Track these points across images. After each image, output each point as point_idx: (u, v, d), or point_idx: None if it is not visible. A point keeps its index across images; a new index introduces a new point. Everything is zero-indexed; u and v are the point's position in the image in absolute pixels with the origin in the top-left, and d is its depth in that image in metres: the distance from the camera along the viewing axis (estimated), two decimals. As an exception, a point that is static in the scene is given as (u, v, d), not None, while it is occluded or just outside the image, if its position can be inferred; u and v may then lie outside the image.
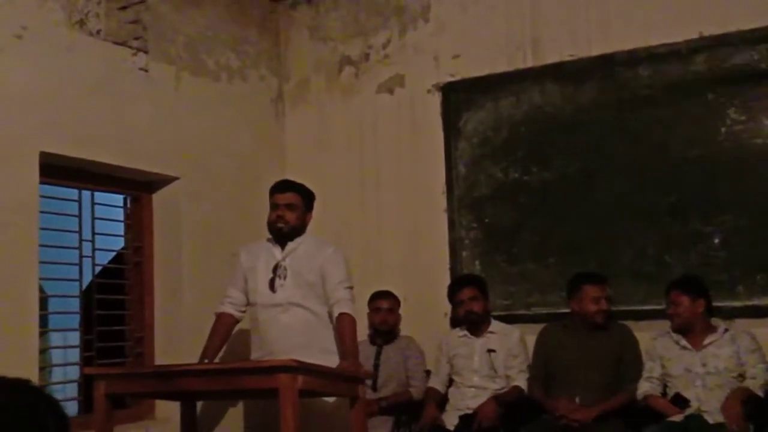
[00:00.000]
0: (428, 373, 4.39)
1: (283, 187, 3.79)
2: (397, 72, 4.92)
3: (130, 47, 4.06)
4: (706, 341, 3.73)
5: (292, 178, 4.00)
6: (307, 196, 3.82)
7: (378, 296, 4.45)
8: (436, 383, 4.30)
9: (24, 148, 3.50)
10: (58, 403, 1.26)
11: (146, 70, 4.14)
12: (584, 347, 3.94)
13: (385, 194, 4.89)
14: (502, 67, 4.61)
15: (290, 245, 3.74)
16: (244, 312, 3.82)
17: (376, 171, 4.92)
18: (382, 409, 4.19)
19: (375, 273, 4.74)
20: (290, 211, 3.73)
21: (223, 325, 3.79)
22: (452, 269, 4.66)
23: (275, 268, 3.70)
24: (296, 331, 3.61)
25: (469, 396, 4.11)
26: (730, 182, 4.08)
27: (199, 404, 3.87)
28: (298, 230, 3.76)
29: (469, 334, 4.25)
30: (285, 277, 3.67)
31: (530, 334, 4.19)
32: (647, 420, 3.67)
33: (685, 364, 3.70)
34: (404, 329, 4.53)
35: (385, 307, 4.43)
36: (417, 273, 4.72)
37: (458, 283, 4.34)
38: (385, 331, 4.43)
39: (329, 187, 4.94)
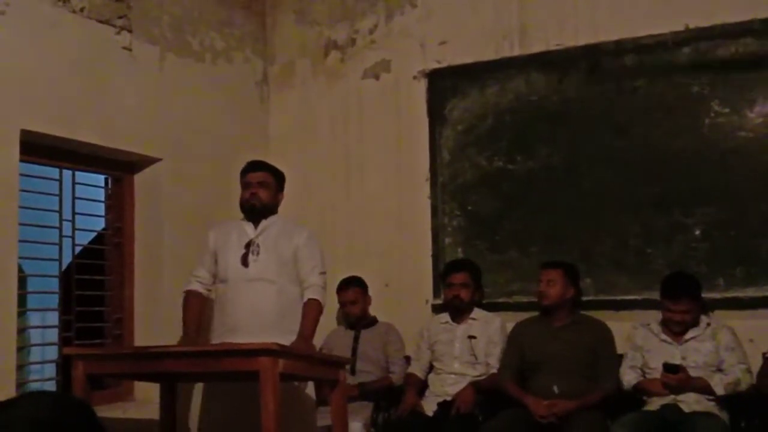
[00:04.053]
0: (408, 359, 4.40)
1: (255, 166, 3.82)
2: (383, 57, 4.90)
3: (113, 26, 4.02)
4: (688, 335, 3.75)
5: (275, 161, 3.98)
6: (278, 176, 3.84)
7: (341, 287, 4.44)
8: (416, 369, 4.31)
9: (4, 125, 3.46)
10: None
11: (130, 50, 4.09)
12: (559, 339, 3.95)
13: (369, 180, 4.88)
14: (488, 54, 4.60)
15: (263, 223, 3.75)
16: (210, 291, 3.82)
17: (360, 156, 4.91)
18: (361, 394, 4.19)
19: (357, 258, 4.73)
20: (263, 188, 3.75)
21: (194, 303, 3.77)
22: (435, 256, 4.66)
23: (248, 245, 3.70)
24: (265, 309, 3.61)
25: (449, 382, 4.12)
26: (713, 174, 4.10)
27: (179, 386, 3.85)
28: (270, 208, 3.78)
29: (450, 321, 4.26)
30: (258, 253, 3.67)
31: (511, 322, 4.20)
32: (624, 409, 3.70)
33: (665, 357, 3.71)
34: (385, 315, 4.53)
35: (348, 300, 4.43)
36: (399, 259, 4.73)
37: (453, 265, 4.34)
38: (355, 320, 4.43)
39: (313, 171, 4.94)
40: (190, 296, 3.79)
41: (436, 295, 4.59)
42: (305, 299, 3.63)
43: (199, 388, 4.06)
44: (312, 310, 3.61)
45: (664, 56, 4.22)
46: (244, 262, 3.68)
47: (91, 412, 1.21)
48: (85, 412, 1.20)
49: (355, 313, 4.44)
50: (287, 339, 3.36)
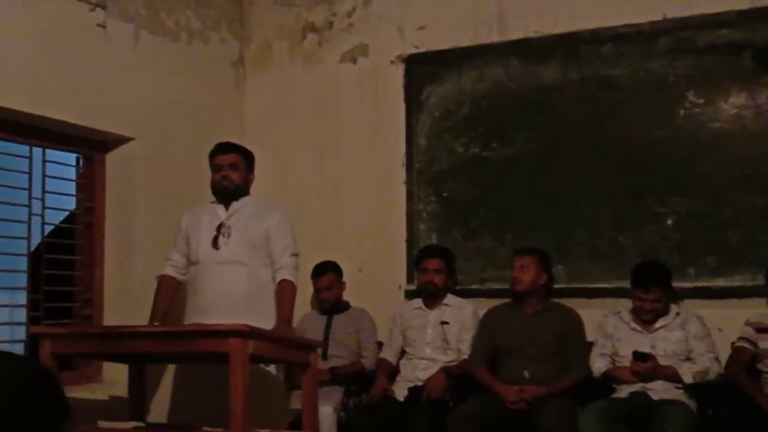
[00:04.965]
0: (380, 344, 4.39)
1: (224, 148, 3.82)
2: (361, 41, 4.87)
3: (87, 2, 3.95)
4: (658, 324, 3.78)
5: (251, 143, 3.97)
6: (248, 157, 3.84)
7: (316, 273, 4.42)
8: (388, 354, 4.31)
9: (-26, 100, 3.40)
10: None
11: (104, 27, 4.03)
12: (530, 325, 3.96)
13: (345, 164, 4.85)
14: (466, 40, 4.59)
15: (235, 205, 3.75)
16: (185, 274, 3.81)
17: (336, 140, 4.88)
18: (333, 379, 4.18)
19: (332, 242, 4.72)
20: (233, 170, 3.75)
21: (166, 287, 3.79)
22: (409, 242, 4.65)
23: (220, 227, 3.69)
24: (236, 291, 3.60)
25: (421, 368, 4.12)
26: (687, 165, 4.12)
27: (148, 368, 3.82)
28: (242, 190, 3.77)
29: (423, 307, 4.26)
30: (229, 236, 3.66)
31: (484, 309, 4.20)
32: (594, 396, 3.72)
33: (634, 345, 3.74)
34: (358, 300, 4.51)
35: (323, 286, 4.40)
36: (374, 244, 4.71)
37: (428, 251, 4.34)
38: (329, 306, 4.42)
39: (289, 154, 4.91)
40: (161, 281, 3.80)
41: (409, 280, 4.58)
42: (277, 280, 3.63)
43: (169, 369, 4.04)
44: (287, 292, 3.60)
45: (641, 46, 4.23)
46: (215, 244, 3.67)
47: (54, 380, 1.18)
48: (48, 380, 1.17)
49: (329, 299, 4.42)
50: (258, 321, 3.34)
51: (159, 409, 3.97)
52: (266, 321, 3.47)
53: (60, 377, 3.24)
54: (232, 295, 3.58)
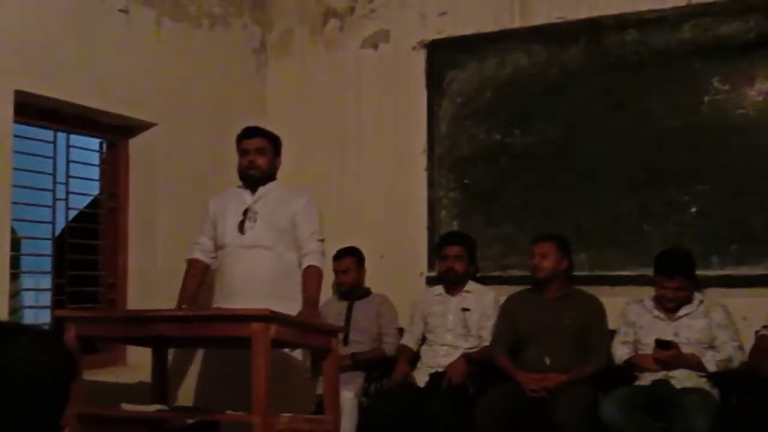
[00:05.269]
0: (401, 331, 4.40)
1: (251, 132, 3.79)
2: (382, 27, 4.85)
3: (110, -12, 3.97)
4: (681, 312, 3.76)
5: (271, 129, 3.95)
6: (275, 141, 3.82)
7: (337, 256, 4.44)
8: (409, 341, 4.31)
9: (-1, 85, 3.42)
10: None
11: (126, 12, 4.05)
12: (551, 312, 3.95)
13: (366, 150, 4.85)
14: (488, 26, 4.57)
15: (261, 190, 3.74)
16: (214, 258, 3.81)
17: (357, 126, 4.88)
18: (354, 364, 4.20)
19: (352, 229, 4.72)
20: (260, 155, 3.74)
21: (194, 271, 3.80)
22: (430, 229, 4.65)
23: (246, 212, 3.69)
24: (261, 276, 3.61)
25: (441, 354, 4.13)
26: (711, 152, 4.09)
27: (171, 352, 3.85)
28: (269, 175, 3.77)
29: (444, 293, 4.26)
30: (255, 221, 3.67)
31: (505, 296, 4.20)
32: (615, 384, 3.71)
33: (657, 333, 3.72)
34: (380, 287, 4.52)
35: (341, 268, 4.43)
36: (394, 231, 4.71)
37: (448, 237, 4.33)
38: (347, 290, 4.42)
39: (309, 140, 4.91)
40: (189, 265, 3.82)
41: (430, 267, 4.58)
42: (304, 266, 3.62)
43: (193, 354, 4.07)
44: (313, 277, 3.60)
45: (665, 32, 4.19)
46: (241, 229, 3.68)
47: (63, 344, 1.25)
48: (57, 344, 1.24)
49: (345, 282, 4.43)
50: (284, 306, 3.33)
51: (183, 393, 4.01)
52: (292, 306, 3.46)
53: (83, 360, 3.29)
54: (258, 280, 3.59)
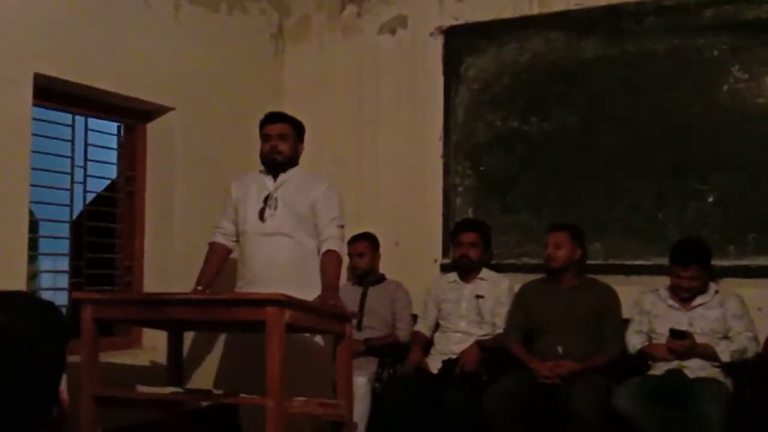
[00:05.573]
0: (415, 317, 4.41)
1: (274, 118, 3.78)
2: (400, 13, 4.84)
3: (129, -28, 3.98)
4: (696, 302, 3.74)
5: (290, 114, 3.95)
6: (298, 127, 3.81)
7: (352, 240, 4.41)
8: (423, 327, 4.32)
9: (18, 68, 3.44)
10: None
11: (145, -4, 4.06)
12: (565, 301, 3.95)
13: (382, 136, 4.84)
14: (507, 12, 4.54)
15: (282, 176, 3.73)
16: (236, 241, 3.82)
17: (374, 112, 4.87)
18: (367, 350, 4.21)
19: (368, 215, 4.72)
20: (283, 141, 3.72)
21: (215, 254, 3.80)
22: (445, 216, 4.65)
23: (266, 199, 3.69)
24: (282, 263, 3.61)
25: (455, 341, 4.14)
26: (729, 141, 4.06)
27: (188, 336, 3.88)
28: (292, 160, 3.76)
29: (458, 280, 4.26)
30: (275, 208, 3.67)
31: (519, 284, 4.19)
32: (629, 373, 3.70)
33: (671, 323, 3.71)
34: (394, 273, 4.53)
35: (356, 252, 4.42)
36: (410, 217, 4.71)
37: (463, 224, 4.34)
38: (362, 274, 4.43)
39: (327, 125, 4.90)
40: (210, 248, 3.82)
41: (445, 254, 4.58)
42: (323, 250, 3.61)
43: (210, 337, 4.11)
44: (333, 262, 3.59)
45: (685, 19, 4.15)
46: (261, 216, 3.67)
47: (57, 309, 1.27)
48: (52, 309, 1.26)
49: (361, 266, 4.43)
50: (305, 292, 3.35)
51: (199, 376, 4.04)
52: (312, 292, 3.47)
53: (100, 343, 3.33)
54: (278, 266, 3.59)
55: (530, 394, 3.72)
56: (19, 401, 1.17)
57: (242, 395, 3.19)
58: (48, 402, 1.22)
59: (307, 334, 3.56)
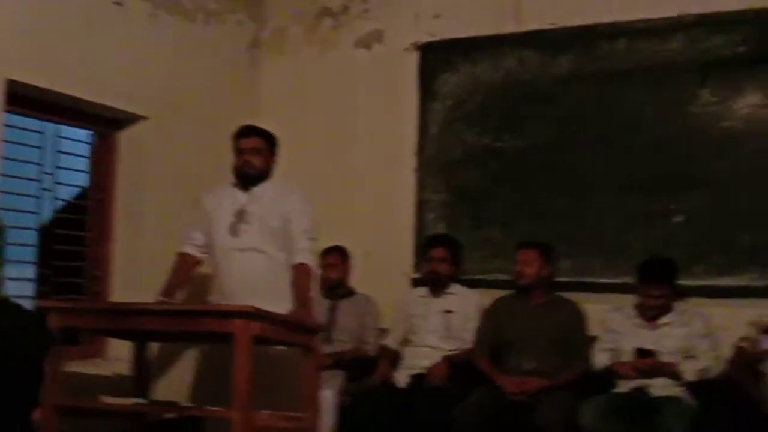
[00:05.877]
0: (383, 331, 4.41)
1: (247, 131, 3.77)
2: (376, 27, 4.86)
3: (105, -20, 3.97)
4: (662, 321, 3.78)
5: (265, 126, 3.95)
6: (271, 140, 3.80)
7: (324, 252, 4.39)
8: (391, 341, 4.32)
9: (-10, 74, 3.42)
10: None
11: (121, 4, 4.04)
12: (534, 317, 3.98)
13: (357, 149, 4.85)
14: (482, 30, 4.57)
15: (255, 190, 3.71)
16: (206, 253, 3.80)
17: (348, 125, 4.88)
18: (335, 363, 4.20)
19: (340, 227, 4.70)
20: (256, 155, 3.71)
21: (182, 265, 3.78)
22: (417, 230, 4.66)
23: (239, 213, 3.67)
24: (255, 277, 3.59)
25: (423, 355, 4.14)
26: (698, 162, 4.11)
27: (153, 346, 3.85)
28: (264, 174, 3.74)
29: (428, 295, 4.27)
30: (249, 222, 3.65)
31: (488, 300, 4.21)
32: (595, 390, 3.73)
33: (638, 341, 3.75)
34: (364, 286, 4.52)
35: (328, 263, 4.39)
36: (381, 230, 4.71)
37: (433, 239, 4.35)
38: (332, 287, 4.42)
39: (301, 137, 4.86)
40: (178, 258, 3.79)
41: (416, 269, 4.59)
42: (294, 263, 3.60)
43: (175, 349, 4.07)
44: (304, 275, 3.58)
45: (656, 42, 4.21)
46: (234, 231, 3.66)
47: (44, 318, 1.32)
48: (39, 318, 1.31)
49: (332, 278, 4.41)
50: (278, 305, 3.33)
51: (164, 387, 4.00)
52: (285, 305, 3.46)
53: (64, 351, 3.29)
54: (251, 281, 3.56)
55: (498, 409, 3.74)
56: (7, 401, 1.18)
57: (207, 407, 3.17)
58: (32, 405, 1.23)
59: (279, 347, 3.55)
